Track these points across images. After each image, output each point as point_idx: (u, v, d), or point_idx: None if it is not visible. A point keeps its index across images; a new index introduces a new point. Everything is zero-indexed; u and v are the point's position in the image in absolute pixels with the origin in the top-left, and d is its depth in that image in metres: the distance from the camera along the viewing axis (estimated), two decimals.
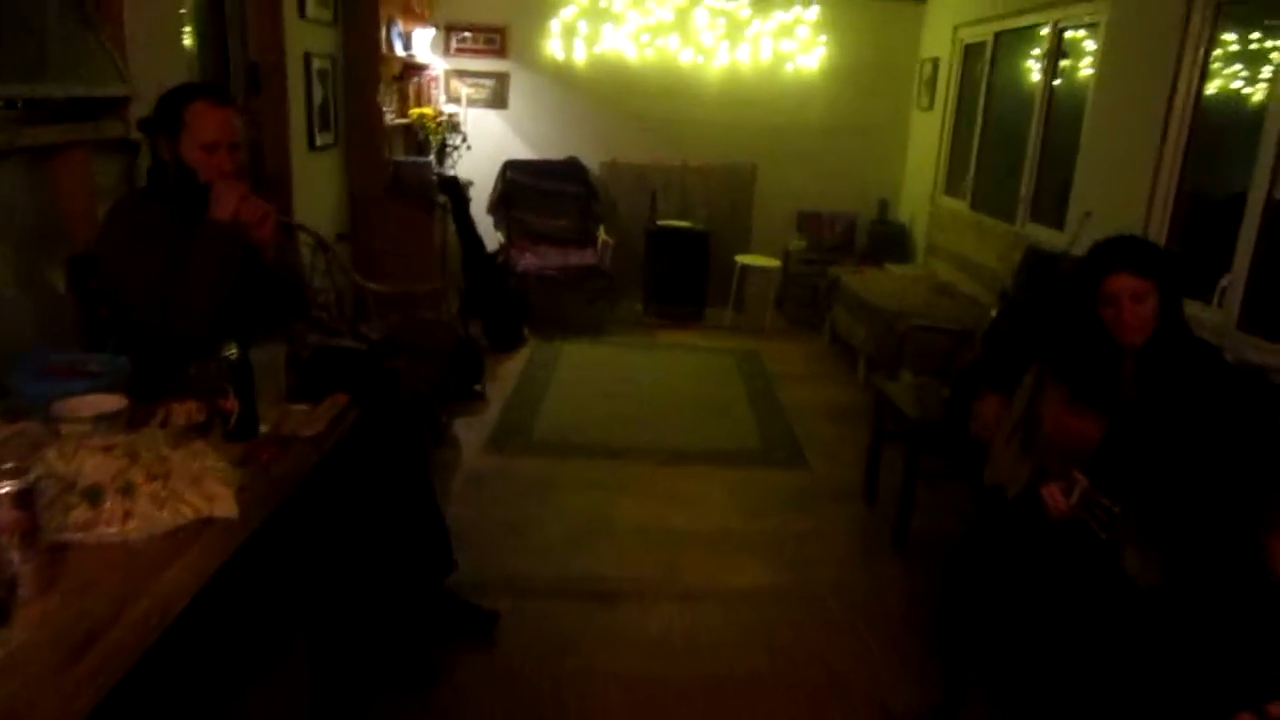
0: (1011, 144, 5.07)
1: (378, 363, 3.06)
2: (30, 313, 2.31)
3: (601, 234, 6.36)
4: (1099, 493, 1.77)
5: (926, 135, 6.41)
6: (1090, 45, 4.38)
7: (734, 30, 6.40)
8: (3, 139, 2.16)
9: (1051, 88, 4.71)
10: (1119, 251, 2.00)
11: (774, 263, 6.53)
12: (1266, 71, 3.82)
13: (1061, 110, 4.64)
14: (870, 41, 6.57)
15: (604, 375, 5.22)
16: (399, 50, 5.33)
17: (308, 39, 4.26)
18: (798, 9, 6.37)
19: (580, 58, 6.46)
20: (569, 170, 6.54)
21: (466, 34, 6.39)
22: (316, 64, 4.33)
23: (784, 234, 6.76)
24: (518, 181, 6.41)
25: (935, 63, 6.24)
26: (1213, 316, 3.05)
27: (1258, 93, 3.88)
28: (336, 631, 2.22)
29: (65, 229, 2.42)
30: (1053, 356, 2.23)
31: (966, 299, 5.17)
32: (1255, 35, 3.75)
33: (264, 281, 2.34)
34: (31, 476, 1.30)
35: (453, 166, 5.95)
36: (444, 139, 5.80)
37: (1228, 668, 1.51)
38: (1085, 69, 4.43)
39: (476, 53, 6.44)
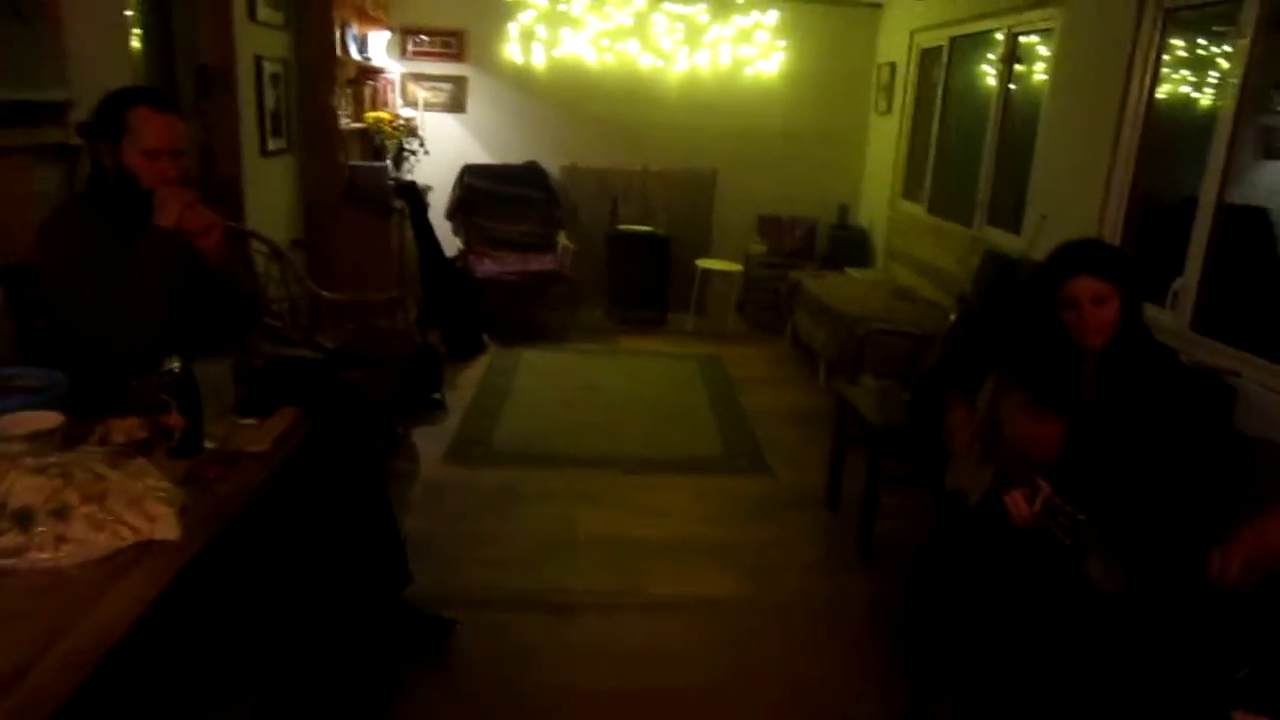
0: (968, 148, 5.11)
1: (333, 374, 3.00)
2: None
3: (562, 239, 6.31)
4: (1062, 499, 1.77)
5: (885, 140, 6.45)
6: (1045, 51, 4.43)
7: (693, 35, 6.39)
8: None
9: (1007, 93, 4.75)
10: (1080, 255, 2.01)
11: (735, 267, 6.53)
12: (1215, 77, 3.90)
13: (1017, 115, 4.69)
14: (828, 47, 6.60)
15: (565, 382, 5.17)
16: (354, 53, 5.24)
17: (259, 42, 4.17)
18: (756, 14, 6.38)
19: (539, 62, 6.42)
20: (529, 175, 6.49)
21: (423, 37, 6.32)
22: (268, 67, 4.24)
23: (745, 238, 6.76)
24: (477, 186, 6.35)
25: (892, 67, 6.28)
26: (1166, 319, 3.08)
27: (1207, 98, 3.95)
28: (288, 654, 2.15)
29: (1, 237, 2.33)
30: (1013, 361, 2.23)
31: (926, 303, 5.21)
32: (1203, 41, 3.83)
33: (211, 292, 2.27)
34: None
35: (410, 171, 5.87)
36: (401, 144, 5.72)
37: (1191, 671, 1.51)
38: (1040, 74, 4.48)
39: (434, 56, 6.36)
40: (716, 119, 6.59)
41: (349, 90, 5.31)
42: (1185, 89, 3.89)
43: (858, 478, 3.53)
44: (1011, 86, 4.75)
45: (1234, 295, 3.10)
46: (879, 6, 6.56)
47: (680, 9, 6.31)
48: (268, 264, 4.03)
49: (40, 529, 1.40)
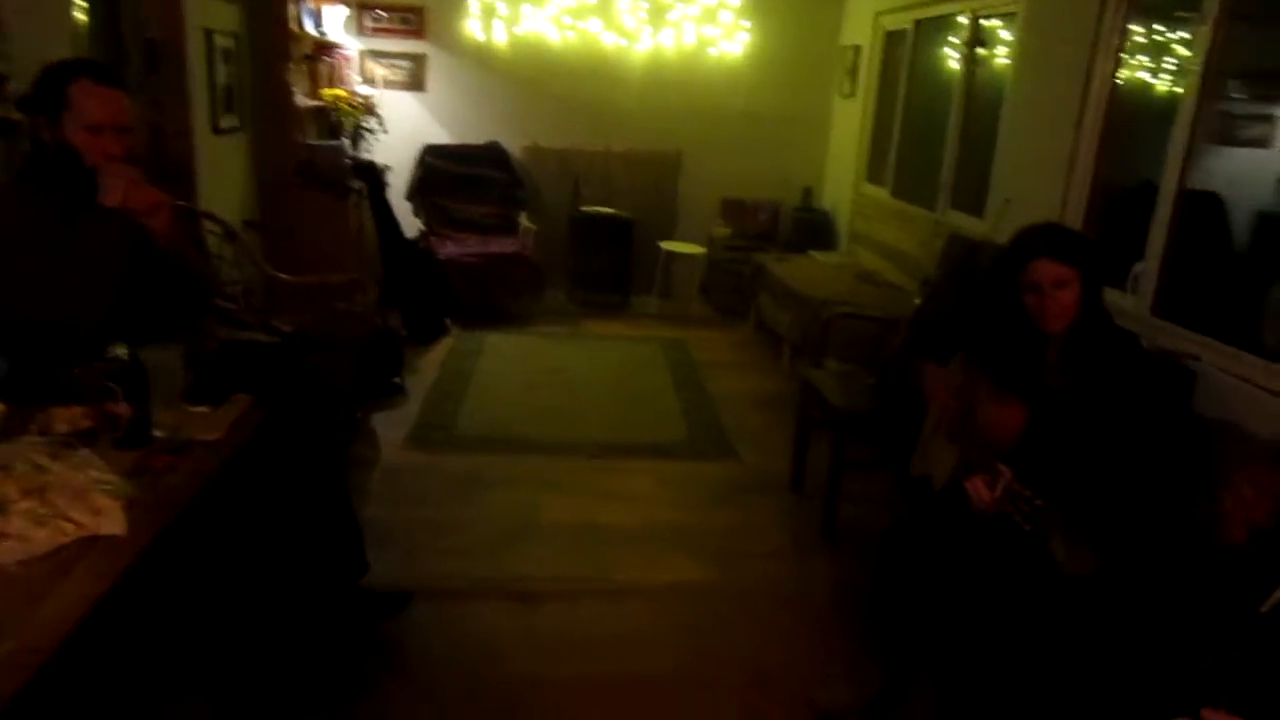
0: (932, 132, 5.12)
1: (299, 357, 2.93)
2: None
3: (524, 221, 6.24)
4: (1023, 485, 1.77)
5: (849, 123, 6.44)
6: (1008, 35, 4.44)
7: (657, 14, 6.31)
8: None
9: (971, 76, 4.76)
10: (1041, 239, 2.01)
11: (699, 250, 6.50)
12: (1172, 63, 3.94)
13: (981, 98, 4.69)
14: (793, 28, 6.56)
15: (529, 366, 5.11)
16: (309, 28, 5.11)
17: (209, 15, 4.04)
18: None
19: (501, 39, 6.30)
20: (490, 155, 6.39)
21: (382, 13, 6.17)
22: (219, 42, 4.11)
23: (709, 221, 6.73)
24: (437, 167, 6.24)
25: (857, 50, 6.27)
26: (1127, 303, 3.11)
27: (1169, 83, 3.99)
28: (245, 649, 2.09)
29: None
30: (977, 346, 2.23)
31: (890, 286, 5.22)
32: (1166, 27, 3.86)
33: (159, 275, 2.18)
34: None
35: (368, 151, 5.75)
36: (359, 122, 5.60)
37: (1157, 656, 1.51)
38: (1004, 58, 4.49)
39: (392, 33, 6.22)
40: (680, 100, 6.53)
41: (304, 67, 5.17)
42: (1146, 75, 3.93)
43: (822, 461, 3.53)
44: (975, 70, 4.75)
45: (1192, 279, 3.14)
46: None
47: None
48: (221, 245, 3.92)
49: None
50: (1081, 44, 3.46)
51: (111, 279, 1.99)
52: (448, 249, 5.77)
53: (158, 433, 1.75)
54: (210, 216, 3.89)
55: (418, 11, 6.20)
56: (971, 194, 4.56)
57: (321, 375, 3.15)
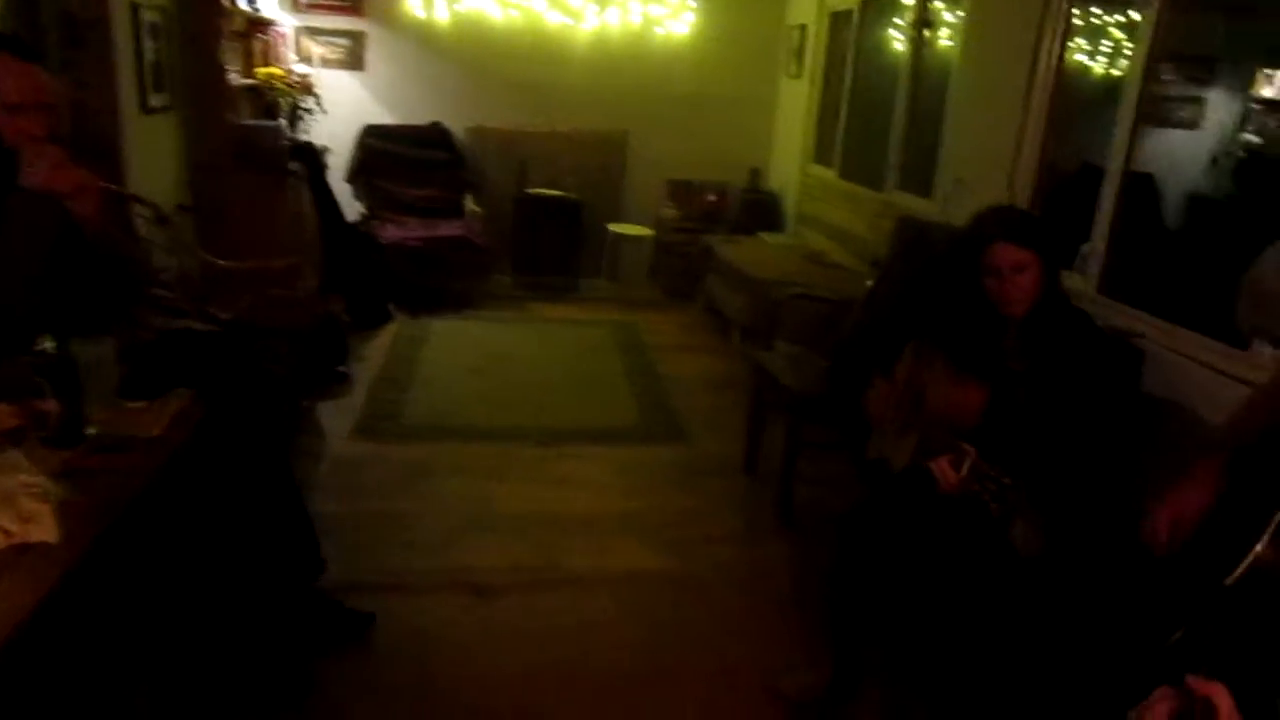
0: (879, 113, 5.13)
1: (239, 346, 2.81)
2: None
3: (470, 203, 6.12)
4: (988, 465, 1.77)
5: (795, 103, 6.44)
6: (954, 18, 4.45)
7: None
8: None
9: (918, 57, 4.77)
10: (1000, 222, 2.01)
11: (647, 232, 6.46)
12: (1111, 45, 4.00)
13: (928, 80, 4.71)
14: (738, 8, 6.51)
15: (477, 352, 5.02)
16: (242, 3, 4.91)
17: None
18: None
19: (443, 17, 6.15)
20: (433, 136, 6.25)
21: None
22: (147, 16, 3.91)
23: (656, 202, 6.68)
24: (378, 148, 6.08)
25: (803, 30, 6.25)
26: (1074, 283, 3.14)
27: (1115, 66, 4.04)
28: (193, 656, 2.00)
29: None
30: (934, 329, 2.23)
31: (839, 267, 5.24)
32: (1105, 10, 3.91)
33: (88, 262, 2.06)
34: None
35: (306, 132, 5.56)
36: (296, 102, 5.41)
37: (1121, 635, 1.52)
38: (950, 40, 4.51)
39: (329, 9, 6.02)
40: (627, 80, 6.45)
41: (237, 44, 4.97)
42: (1095, 57, 3.98)
43: (776, 444, 3.53)
44: (922, 51, 4.77)
45: (1136, 259, 3.19)
46: None
47: None
48: (151, 230, 3.75)
49: None
50: (1028, 26, 3.48)
51: (36, 266, 1.88)
52: (390, 232, 5.63)
53: (90, 430, 1.65)
54: (140, 200, 3.71)
55: None
56: (919, 175, 4.58)
57: (264, 365, 3.05)
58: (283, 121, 5.24)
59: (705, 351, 5.37)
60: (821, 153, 6.05)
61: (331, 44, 6.06)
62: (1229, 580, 1.26)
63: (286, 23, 5.81)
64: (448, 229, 5.80)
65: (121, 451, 1.62)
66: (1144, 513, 1.60)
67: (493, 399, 4.36)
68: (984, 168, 3.78)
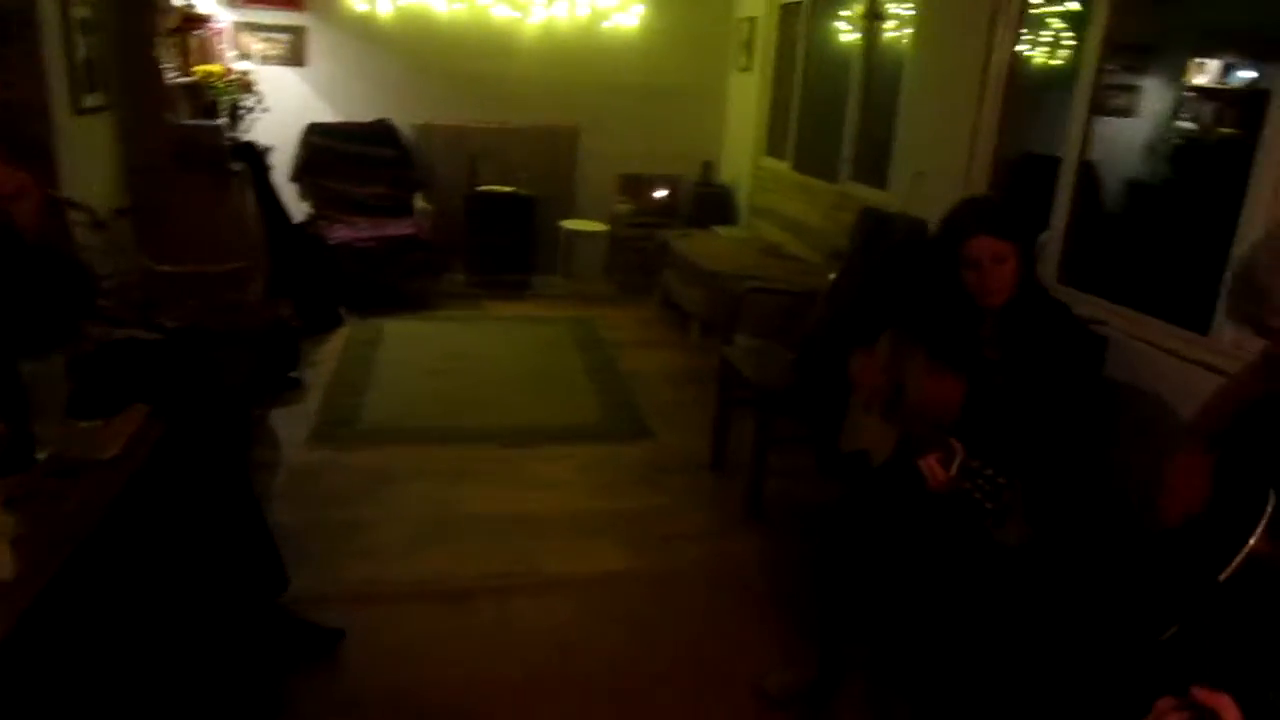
0: (832, 105, 5.14)
1: (187, 355, 2.70)
2: None
3: (419, 201, 5.99)
4: (977, 461, 1.76)
5: (746, 96, 6.43)
6: (905, 9, 4.47)
7: None
8: None
9: (870, 49, 4.78)
10: (979, 215, 2.00)
11: (601, 227, 6.40)
12: (1064, 36, 4.04)
13: (880, 71, 4.72)
14: (686, 1, 6.48)
15: (432, 353, 4.93)
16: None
17: None
18: None
19: (385, 11, 6.00)
20: (379, 133, 6.11)
21: None
22: (77, 12, 3.73)
23: (609, 198, 6.62)
24: (323, 146, 5.93)
25: (752, 23, 6.24)
26: None
27: (1067, 56, 4.09)
28: (158, 683, 1.90)
29: None
30: (911, 321, 2.22)
31: (796, 259, 5.25)
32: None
33: (31, 271, 1.95)
34: None
35: (247, 130, 5.39)
36: (236, 100, 5.23)
37: (1110, 628, 1.52)
38: (903, 31, 4.52)
39: (268, 3, 5.84)
40: (576, 74, 6.38)
41: (173, 40, 4.79)
42: (1028, 47, 4.01)
43: (741, 438, 3.52)
44: (874, 43, 4.78)
45: (1087, 246, 3.23)
46: None
47: None
48: (88, 235, 3.59)
49: None
50: (981, 16, 3.50)
51: None
52: (339, 233, 5.50)
53: (41, 454, 1.56)
54: (75, 204, 3.55)
55: None
56: (874, 167, 4.59)
57: (215, 373, 2.94)
58: (223, 120, 5.07)
59: (664, 346, 5.34)
60: (774, 145, 6.05)
61: (271, 39, 5.88)
62: (1223, 575, 1.26)
63: (223, 18, 5.61)
64: (397, 228, 5.68)
65: (76, 475, 1.53)
66: (1150, 499, 1.59)
67: (452, 400, 4.28)
68: (940, 159, 3.80)
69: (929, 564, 1.93)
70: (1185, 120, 6.36)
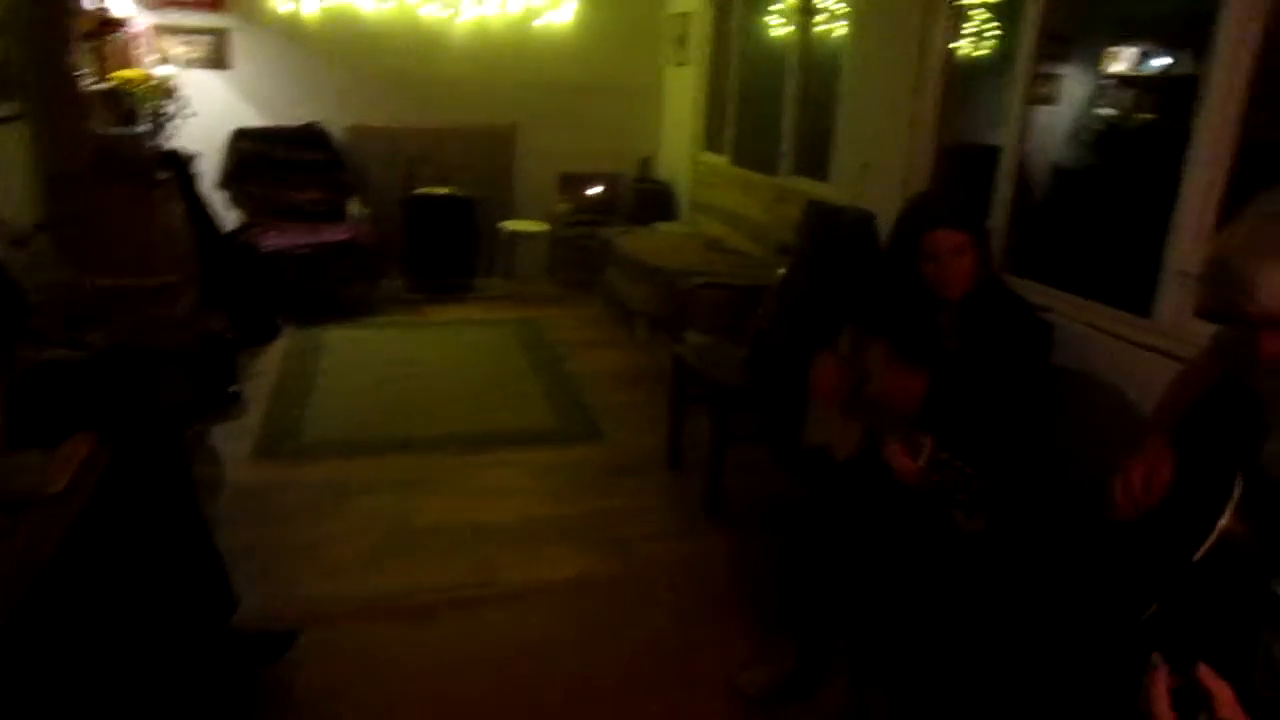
0: (770, 99, 5.16)
1: (120, 374, 2.59)
2: None
3: (354, 206, 5.86)
4: (946, 453, 1.78)
5: (682, 92, 6.43)
6: (839, 4, 4.51)
7: None
8: None
9: (806, 43, 4.82)
10: (937, 208, 2.02)
11: (542, 227, 6.34)
12: (987, 27, 4.11)
13: (818, 65, 4.76)
14: None
15: (375, 361, 4.82)
16: (87, 2, 4.52)
17: None
18: None
19: (311, 11, 5.85)
20: (309, 137, 5.96)
21: None
22: None
23: (548, 197, 6.56)
24: (251, 152, 5.76)
25: (685, 17, 6.24)
26: None
27: (993, 47, 4.16)
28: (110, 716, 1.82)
29: None
30: (868, 315, 2.23)
31: (739, 253, 5.27)
32: None
33: None
34: None
35: (172, 137, 5.19)
36: (158, 106, 5.03)
37: (1082, 613, 1.55)
38: (837, 24, 4.56)
39: (186, 5, 5.63)
40: (511, 72, 6.31)
41: (89, 45, 4.58)
42: (985, 40, 4.08)
43: (697, 436, 3.52)
44: (810, 37, 4.81)
45: (1024, 233, 3.30)
46: None
47: None
48: (8, 252, 3.41)
49: None
50: (916, 9, 3.55)
51: None
52: (273, 240, 5.34)
53: None
54: None
55: None
56: (814, 160, 4.63)
57: (150, 392, 2.82)
58: (145, 127, 4.88)
59: (611, 346, 5.31)
60: (712, 140, 6.07)
61: (192, 42, 5.68)
62: (1196, 555, 1.28)
63: (140, 20, 5.39)
64: (333, 234, 5.55)
65: (19, 512, 1.44)
66: (1107, 484, 1.61)
67: (399, 409, 4.19)
68: (880, 151, 3.84)
69: (898, 557, 1.94)
70: (1104, 107, 6.56)
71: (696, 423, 3.53)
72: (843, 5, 4.36)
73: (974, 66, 4.61)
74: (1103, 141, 6.37)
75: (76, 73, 4.18)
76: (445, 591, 2.74)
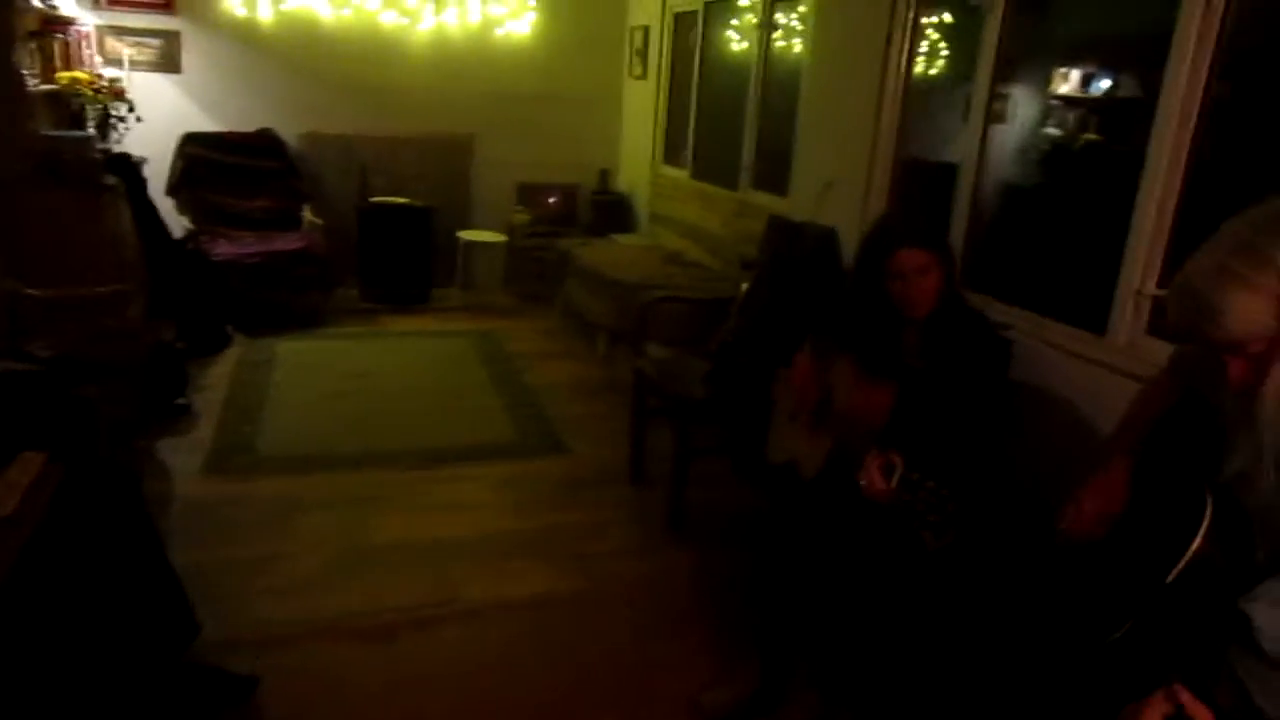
0: (730, 113, 5.19)
1: (64, 387, 2.51)
2: None
3: (308, 214, 5.77)
4: (917, 474, 1.79)
5: (642, 105, 6.44)
6: (799, 22, 4.55)
7: None
8: None
9: (766, 59, 4.85)
10: (903, 228, 2.05)
11: (499, 237, 6.30)
12: (939, 47, 4.18)
13: (778, 81, 4.79)
14: (579, 7, 6.45)
15: (330, 373, 4.73)
16: (33, 0, 4.40)
17: None
18: None
19: (266, 15, 5.75)
20: (262, 144, 5.85)
21: None
22: None
23: (506, 208, 6.53)
24: (202, 157, 5.63)
25: (646, 31, 6.26)
26: None
27: (962, 68, 4.24)
28: None
29: None
30: (834, 331, 2.25)
31: (699, 266, 5.28)
32: (953, 14, 4.08)
33: None
34: None
35: (120, 142, 5.07)
36: (106, 109, 4.91)
37: (1060, 630, 1.56)
38: (798, 41, 4.60)
39: (135, 6, 5.50)
40: (469, 82, 6.26)
41: (33, 44, 4.46)
42: (942, 60, 4.15)
43: (657, 450, 3.51)
44: (770, 53, 4.85)
45: (983, 251, 3.36)
46: None
47: None
48: None
49: None
50: (876, 30, 3.60)
51: None
52: (223, 248, 5.22)
53: None
54: None
55: None
56: (774, 175, 4.66)
57: (95, 406, 2.74)
58: (92, 131, 4.75)
59: (570, 358, 5.29)
60: (671, 153, 6.08)
61: (141, 44, 5.54)
62: (1169, 577, 1.30)
63: (87, 21, 5.26)
64: (285, 242, 5.45)
65: None
66: (1061, 505, 1.64)
67: (355, 422, 4.11)
68: (841, 167, 3.88)
69: (865, 574, 1.95)
70: (1052, 127, 6.72)
71: (658, 436, 3.53)
72: (802, 24, 4.41)
73: (928, 85, 4.70)
74: (1049, 160, 6.54)
75: (21, 74, 4.06)
76: (403, 610, 2.68)
